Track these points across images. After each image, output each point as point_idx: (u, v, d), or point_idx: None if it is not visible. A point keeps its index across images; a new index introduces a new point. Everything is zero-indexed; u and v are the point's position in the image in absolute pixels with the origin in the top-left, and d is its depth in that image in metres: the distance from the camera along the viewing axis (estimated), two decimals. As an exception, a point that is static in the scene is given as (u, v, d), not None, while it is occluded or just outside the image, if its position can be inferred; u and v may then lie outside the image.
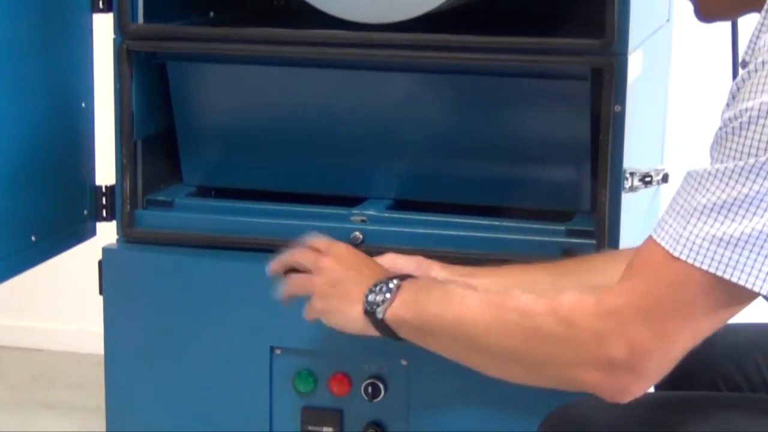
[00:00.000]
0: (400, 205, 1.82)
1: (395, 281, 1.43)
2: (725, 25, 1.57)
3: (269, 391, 1.77)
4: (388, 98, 1.78)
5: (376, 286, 1.43)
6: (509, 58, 1.66)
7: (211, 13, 1.99)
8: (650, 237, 1.25)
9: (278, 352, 1.77)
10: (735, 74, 1.77)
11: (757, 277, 1.18)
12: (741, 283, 1.18)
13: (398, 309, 1.41)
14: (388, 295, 1.41)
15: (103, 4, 1.84)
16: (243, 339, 1.76)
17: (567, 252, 1.68)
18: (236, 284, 1.75)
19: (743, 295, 1.21)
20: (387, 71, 1.75)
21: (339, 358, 1.75)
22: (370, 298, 1.42)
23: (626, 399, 1.27)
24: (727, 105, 1.22)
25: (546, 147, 1.75)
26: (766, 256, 1.17)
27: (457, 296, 1.37)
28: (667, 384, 1.68)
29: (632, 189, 1.69)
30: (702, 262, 1.19)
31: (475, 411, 1.71)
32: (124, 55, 1.76)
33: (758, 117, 1.16)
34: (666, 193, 2.04)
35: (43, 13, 1.75)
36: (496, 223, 1.73)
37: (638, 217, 1.89)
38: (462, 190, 1.80)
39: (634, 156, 1.76)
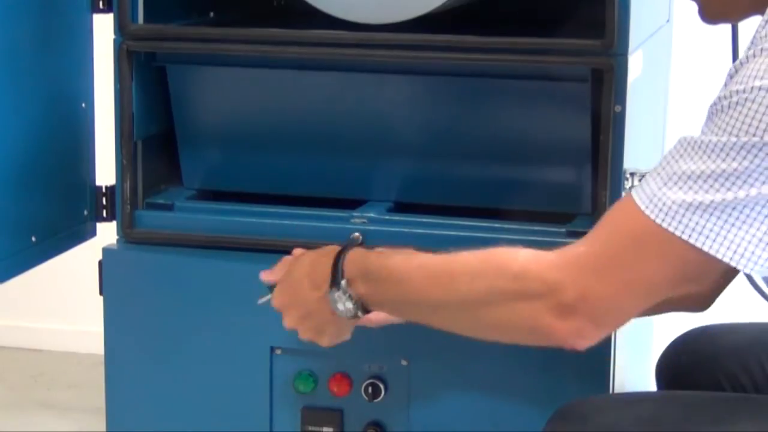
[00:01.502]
0: (401, 207, 1.82)
1: (342, 282, 1.41)
2: (726, 26, 1.57)
3: (269, 391, 1.77)
4: (389, 101, 1.78)
5: (333, 295, 1.42)
6: (509, 58, 1.66)
7: (212, 14, 1.99)
8: (628, 193, 1.28)
9: (278, 352, 1.77)
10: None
11: (721, 245, 1.20)
12: (703, 247, 1.21)
13: (366, 300, 1.41)
14: (350, 300, 1.41)
15: (103, 4, 1.84)
16: (243, 339, 1.76)
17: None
18: (236, 284, 1.75)
19: (705, 263, 1.23)
20: (387, 73, 1.75)
21: (339, 358, 1.75)
22: (341, 308, 1.42)
23: (581, 344, 1.28)
24: (725, 84, 1.25)
25: (546, 149, 1.75)
26: (732, 225, 1.20)
27: (399, 272, 1.38)
28: (671, 381, 1.69)
29: (632, 190, 1.69)
30: (669, 224, 1.22)
31: (476, 411, 1.71)
32: (124, 55, 1.75)
33: (746, 100, 1.20)
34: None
35: (43, 14, 1.75)
36: (497, 225, 1.73)
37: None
38: (463, 193, 1.80)
39: (634, 156, 1.76)
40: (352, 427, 1.76)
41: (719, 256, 1.21)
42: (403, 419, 1.75)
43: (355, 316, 1.43)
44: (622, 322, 1.30)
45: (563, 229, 1.71)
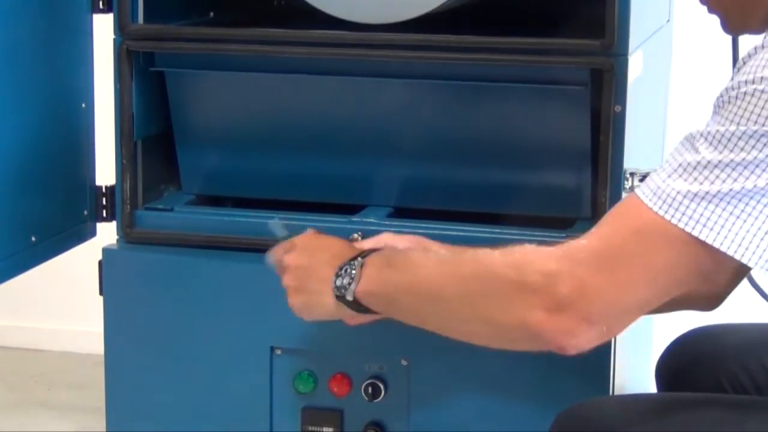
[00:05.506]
0: (401, 212, 1.82)
1: (359, 259, 1.42)
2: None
3: (269, 391, 1.77)
4: (388, 105, 1.78)
5: (341, 269, 1.43)
6: (509, 58, 1.66)
7: (211, 14, 1.99)
8: (633, 191, 1.26)
9: (278, 352, 1.77)
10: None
11: (725, 237, 1.18)
12: (707, 240, 1.19)
13: (365, 285, 1.41)
14: (353, 275, 1.41)
15: (103, 4, 1.84)
16: (243, 339, 1.76)
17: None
18: (236, 284, 1.75)
19: (709, 255, 1.20)
20: (387, 78, 1.75)
21: (339, 358, 1.75)
22: (338, 282, 1.42)
23: (572, 345, 1.24)
24: (731, 78, 1.24)
25: (546, 154, 1.75)
26: (737, 217, 1.18)
27: (417, 260, 1.39)
28: (671, 382, 1.69)
29: (632, 189, 1.69)
30: (673, 216, 1.20)
31: (476, 411, 1.71)
32: (124, 55, 1.75)
33: (754, 90, 1.19)
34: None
35: (44, 14, 1.75)
36: (497, 230, 1.73)
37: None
38: (462, 198, 1.80)
39: (635, 156, 1.76)
40: (352, 427, 1.76)
41: (723, 248, 1.18)
42: (403, 419, 1.75)
43: (342, 297, 1.42)
44: (617, 324, 1.25)
45: (564, 234, 1.70)
